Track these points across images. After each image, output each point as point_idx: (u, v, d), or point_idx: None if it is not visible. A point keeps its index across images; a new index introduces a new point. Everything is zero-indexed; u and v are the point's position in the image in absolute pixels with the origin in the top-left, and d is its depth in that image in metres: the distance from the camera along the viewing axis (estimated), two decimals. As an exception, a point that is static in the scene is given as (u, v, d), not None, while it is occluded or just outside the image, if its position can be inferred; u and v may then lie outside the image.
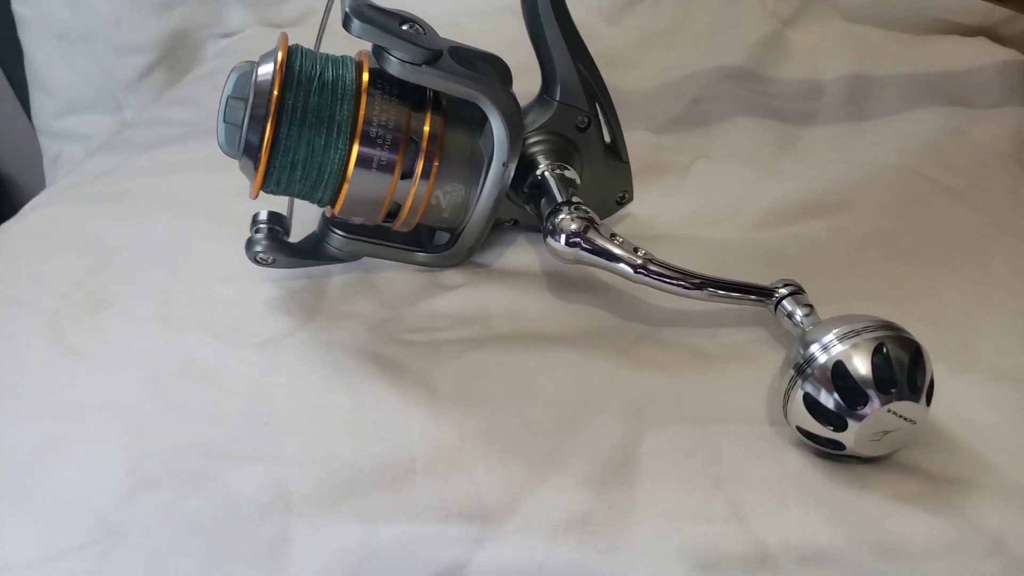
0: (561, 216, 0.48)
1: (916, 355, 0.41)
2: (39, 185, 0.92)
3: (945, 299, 0.51)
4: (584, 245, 0.47)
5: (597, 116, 0.53)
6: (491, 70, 0.51)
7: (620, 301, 0.52)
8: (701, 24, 0.73)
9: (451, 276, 0.54)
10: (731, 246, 0.54)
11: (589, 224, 0.47)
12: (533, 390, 0.47)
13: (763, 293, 0.47)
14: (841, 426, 0.41)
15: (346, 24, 0.45)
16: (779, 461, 0.43)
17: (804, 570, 0.39)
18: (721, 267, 0.51)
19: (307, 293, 0.54)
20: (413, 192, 0.49)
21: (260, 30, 0.85)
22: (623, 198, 0.56)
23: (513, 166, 0.50)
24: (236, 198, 0.49)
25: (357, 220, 0.51)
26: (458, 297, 0.53)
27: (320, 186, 0.48)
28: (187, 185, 0.63)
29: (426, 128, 0.48)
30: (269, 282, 0.54)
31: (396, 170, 0.48)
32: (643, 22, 0.74)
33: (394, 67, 0.46)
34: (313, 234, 0.54)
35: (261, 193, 0.48)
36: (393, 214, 0.50)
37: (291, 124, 0.46)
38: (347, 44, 0.48)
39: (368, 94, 0.47)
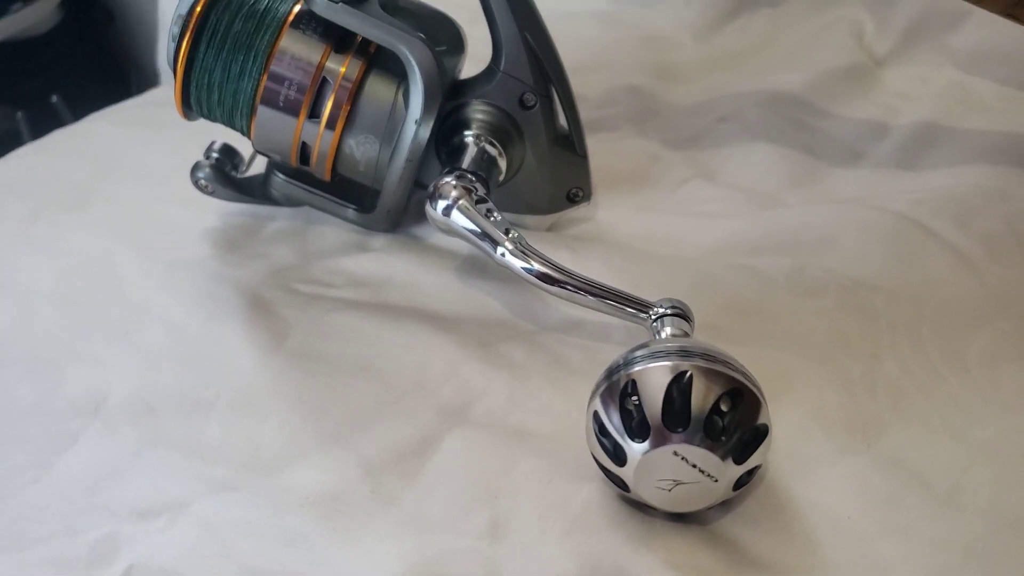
0: (444, 180, 0.44)
1: (732, 399, 0.33)
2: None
3: (884, 371, 0.40)
4: (456, 215, 0.43)
5: (549, 98, 0.48)
6: (435, 28, 0.48)
7: (519, 297, 0.47)
8: (781, 49, 0.65)
9: (377, 240, 0.52)
10: (666, 264, 0.47)
11: (467, 194, 0.43)
12: (374, 362, 0.44)
13: (640, 307, 0.40)
14: (620, 459, 0.33)
15: None
16: (570, 491, 0.36)
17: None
18: (638, 283, 0.44)
19: (240, 230, 0.54)
20: (320, 134, 0.47)
21: None
22: (578, 195, 0.51)
23: (428, 127, 0.47)
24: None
25: (276, 158, 0.50)
26: (367, 260, 0.50)
27: (237, 114, 0.48)
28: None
29: (342, 69, 0.46)
30: (216, 214, 0.55)
31: (303, 107, 0.46)
32: (727, 42, 0.67)
33: (314, 3, 0.45)
34: (261, 174, 0.53)
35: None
36: (307, 158, 0.48)
37: (209, 45, 0.46)
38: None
39: (291, 27, 0.46)
